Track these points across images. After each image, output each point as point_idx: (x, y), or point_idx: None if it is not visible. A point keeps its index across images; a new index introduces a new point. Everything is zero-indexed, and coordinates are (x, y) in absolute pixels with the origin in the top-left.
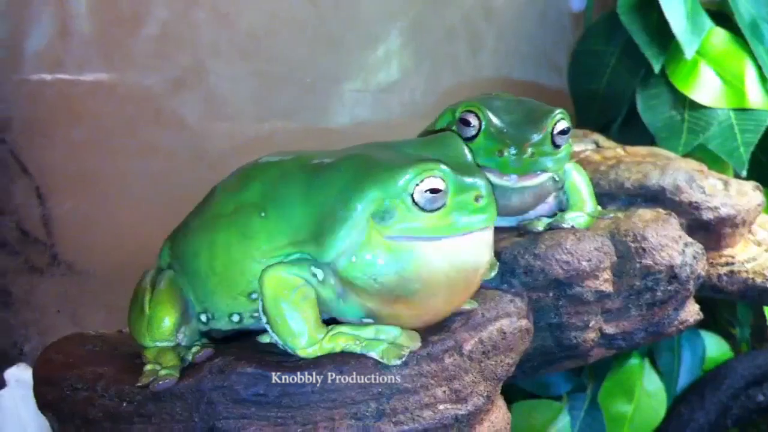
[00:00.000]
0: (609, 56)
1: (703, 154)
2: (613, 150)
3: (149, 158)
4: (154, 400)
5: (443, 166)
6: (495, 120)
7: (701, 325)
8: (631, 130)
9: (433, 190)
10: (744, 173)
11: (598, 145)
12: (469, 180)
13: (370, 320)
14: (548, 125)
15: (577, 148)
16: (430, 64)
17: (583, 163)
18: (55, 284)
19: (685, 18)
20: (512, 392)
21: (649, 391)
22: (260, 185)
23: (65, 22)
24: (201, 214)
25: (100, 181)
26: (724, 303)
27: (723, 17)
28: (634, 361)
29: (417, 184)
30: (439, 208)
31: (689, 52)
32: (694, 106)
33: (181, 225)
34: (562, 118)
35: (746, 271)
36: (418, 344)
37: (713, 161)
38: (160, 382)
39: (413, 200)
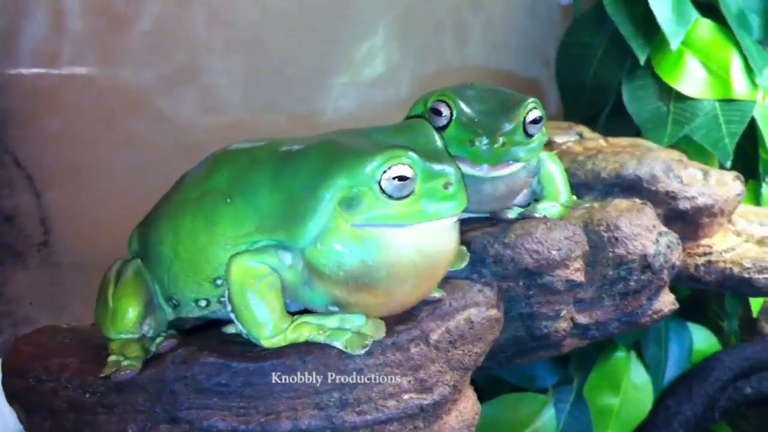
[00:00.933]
0: (596, 48)
1: (688, 145)
2: (596, 141)
3: (141, 152)
4: (116, 391)
5: (411, 153)
6: (466, 109)
7: (689, 317)
8: (618, 122)
9: (401, 178)
10: (729, 164)
11: (582, 137)
12: (437, 167)
13: (336, 308)
14: (520, 114)
15: (560, 139)
16: (417, 57)
17: (564, 154)
18: (35, 276)
19: (670, 8)
20: (497, 385)
21: (635, 384)
22: (228, 171)
23: (59, 17)
24: (169, 200)
25: (93, 175)
26: (713, 295)
27: (709, 8)
28: (620, 353)
29: (384, 172)
30: (407, 196)
31: (674, 43)
32: (680, 97)
33: (150, 212)
34: (535, 107)
35: (724, 261)
36: (383, 333)
37: (699, 152)
38: (121, 373)
39: (381, 188)
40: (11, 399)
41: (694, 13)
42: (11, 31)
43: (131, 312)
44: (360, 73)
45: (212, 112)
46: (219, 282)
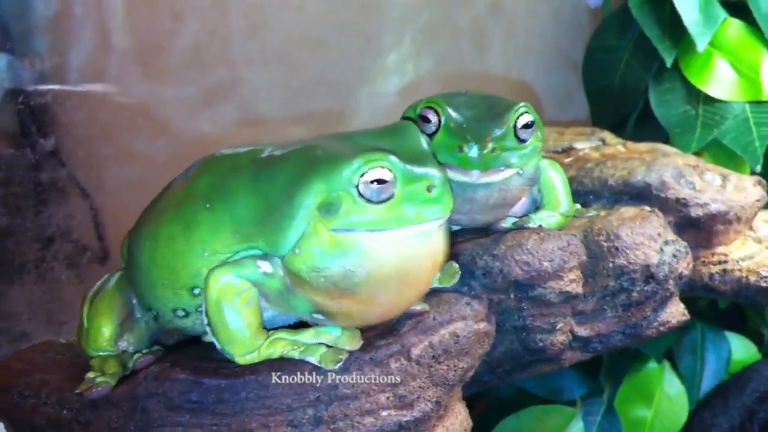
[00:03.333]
0: (622, 51)
1: (718, 149)
2: (614, 147)
3: (184, 166)
4: (92, 408)
5: (390, 156)
6: (455, 115)
7: (728, 326)
8: (647, 126)
9: (380, 181)
10: (758, 168)
11: (604, 143)
12: (419, 170)
13: (320, 316)
14: (510, 119)
15: (580, 145)
16: (443, 64)
17: (580, 160)
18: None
19: (697, 9)
20: (523, 397)
21: (669, 395)
22: (210, 177)
23: (105, 35)
24: (153, 206)
25: (142, 189)
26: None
27: (739, 7)
28: (652, 364)
29: (362, 175)
30: (386, 199)
31: (701, 45)
32: (709, 100)
33: (138, 219)
34: (526, 112)
35: (740, 270)
36: (359, 344)
37: (729, 157)
38: (94, 390)
39: (359, 192)
40: (3, 414)
41: (722, 14)
42: (60, 49)
43: (105, 330)
44: (388, 83)
45: (250, 125)
46: (196, 291)
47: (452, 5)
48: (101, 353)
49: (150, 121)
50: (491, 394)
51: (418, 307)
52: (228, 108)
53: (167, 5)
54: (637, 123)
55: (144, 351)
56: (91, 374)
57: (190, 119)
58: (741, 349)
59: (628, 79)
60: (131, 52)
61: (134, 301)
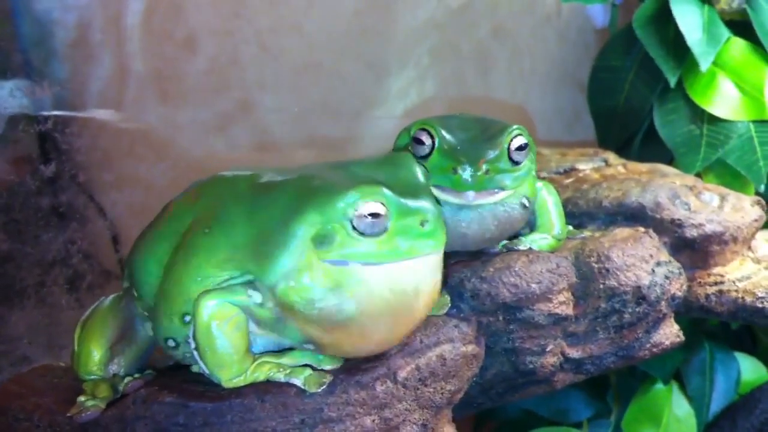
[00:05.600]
0: (626, 72)
1: (723, 169)
2: (614, 168)
3: None
4: (82, 431)
5: (384, 190)
6: (448, 137)
7: (738, 347)
8: (652, 147)
9: (374, 215)
10: (762, 188)
11: (607, 163)
12: (414, 203)
13: (310, 346)
14: (504, 141)
15: (582, 166)
16: (449, 86)
17: (580, 181)
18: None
19: (700, 29)
20: (528, 419)
21: (678, 417)
22: (209, 201)
23: (123, 59)
24: (153, 228)
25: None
26: None
27: (743, 27)
28: (660, 385)
29: (356, 209)
30: (380, 233)
31: (704, 65)
32: (713, 119)
33: (136, 241)
34: (519, 134)
35: (736, 291)
36: (339, 364)
37: (734, 177)
38: (84, 414)
39: (353, 225)
40: None
41: (725, 33)
42: (80, 75)
43: (95, 354)
44: (395, 107)
45: (264, 148)
46: (187, 319)
47: (456, 29)
48: (92, 377)
49: (162, 146)
50: (498, 416)
51: None
52: (240, 132)
53: (182, 31)
54: (642, 143)
55: (136, 375)
56: (82, 398)
57: (203, 143)
58: (751, 369)
59: (633, 99)
60: (147, 78)
61: (135, 320)
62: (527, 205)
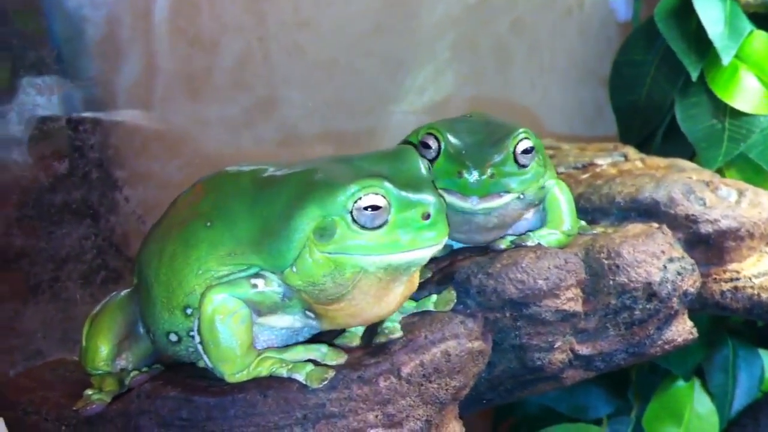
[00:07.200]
0: (648, 66)
1: (745, 163)
2: (632, 163)
3: None
4: (88, 424)
5: (384, 182)
6: (454, 141)
7: (763, 344)
8: (674, 141)
9: (374, 207)
10: None
11: (626, 158)
12: (414, 196)
13: (311, 314)
14: (510, 145)
15: (601, 161)
16: (469, 82)
17: (597, 177)
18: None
19: (722, 22)
20: (547, 415)
21: (699, 414)
22: (213, 196)
23: (151, 57)
24: (160, 223)
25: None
26: None
27: (766, 20)
28: (682, 381)
29: (356, 201)
30: (381, 226)
31: (726, 58)
32: (735, 113)
33: (146, 236)
34: (525, 137)
35: (752, 287)
36: (343, 359)
37: (756, 171)
38: (89, 407)
39: (353, 218)
40: (9, 430)
41: (748, 26)
42: (110, 73)
43: (103, 349)
44: (417, 101)
45: (290, 143)
46: (189, 311)
47: (475, 24)
48: (99, 371)
49: (181, 143)
50: (517, 413)
51: (396, 336)
52: (265, 128)
53: (207, 29)
54: (664, 138)
55: (143, 369)
56: (89, 391)
57: (231, 138)
58: None
59: (655, 93)
60: (174, 75)
61: (138, 317)
62: (531, 201)
